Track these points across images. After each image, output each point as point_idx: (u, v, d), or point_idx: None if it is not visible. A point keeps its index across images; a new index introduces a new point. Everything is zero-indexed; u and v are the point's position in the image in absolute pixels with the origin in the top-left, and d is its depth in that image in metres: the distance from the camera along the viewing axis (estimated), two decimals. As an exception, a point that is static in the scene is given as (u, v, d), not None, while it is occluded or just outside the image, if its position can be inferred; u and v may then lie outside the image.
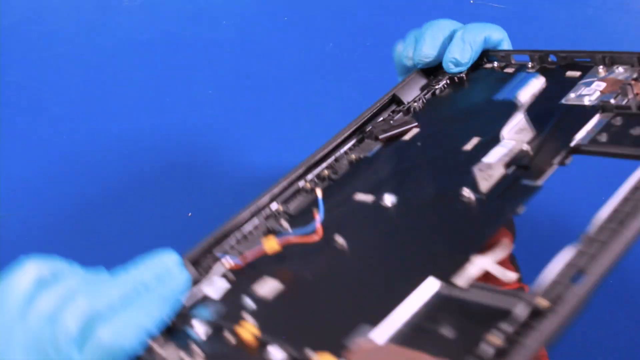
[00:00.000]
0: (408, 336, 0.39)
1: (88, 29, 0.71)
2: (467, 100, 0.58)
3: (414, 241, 0.47)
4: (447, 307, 0.41)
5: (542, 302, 0.36)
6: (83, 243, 0.67)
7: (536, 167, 0.49)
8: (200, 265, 0.47)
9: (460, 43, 0.58)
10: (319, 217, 0.47)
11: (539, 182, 0.46)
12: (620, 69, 0.53)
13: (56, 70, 0.72)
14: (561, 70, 0.56)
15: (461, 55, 0.59)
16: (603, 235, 0.40)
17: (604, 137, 0.49)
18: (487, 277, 0.44)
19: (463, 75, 0.60)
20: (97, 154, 0.68)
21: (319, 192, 0.50)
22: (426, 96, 0.60)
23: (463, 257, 0.43)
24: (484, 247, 0.44)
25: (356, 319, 0.41)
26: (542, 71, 0.57)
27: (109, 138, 0.67)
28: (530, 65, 0.58)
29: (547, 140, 0.51)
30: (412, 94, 0.60)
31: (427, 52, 0.59)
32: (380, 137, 0.57)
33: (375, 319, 0.40)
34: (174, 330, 0.44)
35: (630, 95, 0.49)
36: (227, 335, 0.43)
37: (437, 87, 0.60)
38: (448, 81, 0.61)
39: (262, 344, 0.41)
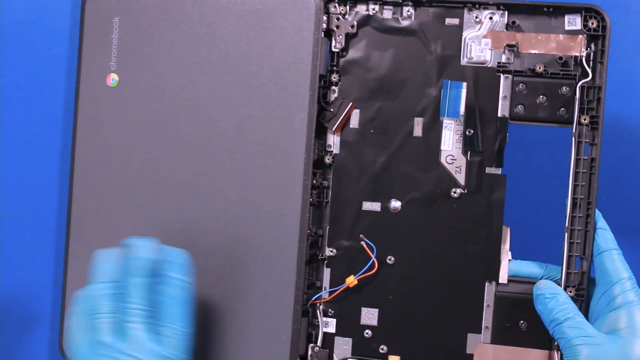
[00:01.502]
0: (504, 337, 0.60)
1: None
2: (376, 64, 0.63)
3: (443, 246, 0.62)
4: (507, 304, 0.60)
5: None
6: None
7: (486, 148, 0.61)
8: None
9: None
10: (373, 255, 0.62)
11: (500, 169, 0.61)
12: (489, 14, 0.61)
13: (56, 70, 0.72)
14: (439, 16, 0.62)
15: None
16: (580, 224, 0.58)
17: (521, 109, 0.61)
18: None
19: (355, 29, 0.63)
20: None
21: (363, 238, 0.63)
22: (337, 63, 0.64)
23: (495, 255, 0.61)
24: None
25: (456, 327, 0.61)
26: (418, 12, 0.62)
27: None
28: (406, 13, 0.62)
29: (479, 116, 0.60)
30: (323, 64, 0.63)
31: None
32: (333, 129, 0.63)
33: (473, 327, 0.60)
34: None
35: (517, 54, 0.60)
36: None
37: (340, 49, 0.64)
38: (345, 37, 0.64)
39: None
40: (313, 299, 0.63)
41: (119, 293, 0.54)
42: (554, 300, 0.57)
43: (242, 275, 0.62)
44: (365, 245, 0.63)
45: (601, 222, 0.59)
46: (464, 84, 0.61)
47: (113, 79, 0.65)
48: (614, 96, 0.67)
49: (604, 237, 0.58)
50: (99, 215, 0.65)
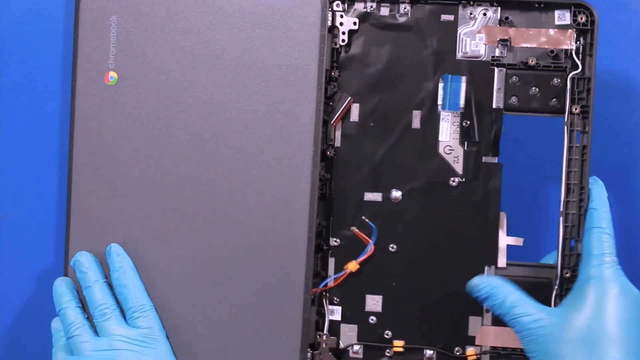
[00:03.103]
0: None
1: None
2: (374, 59, 0.66)
3: (443, 233, 0.65)
4: None
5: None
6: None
7: (483, 138, 0.64)
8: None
9: None
10: (371, 240, 0.65)
11: (496, 158, 0.64)
12: (483, 10, 0.64)
13: (56, 70, 0.73)
14: (434, 12, 0.65)
15: None
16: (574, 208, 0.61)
17: (515, 101, 0.64)
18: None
19: (357, 25, 0.66)
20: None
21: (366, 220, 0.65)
22: (337, 59, 0.66)
23: (493, 240, 0.63)
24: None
25: (457, 311, 0.64)
26: (414, 9, 0.65)
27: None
28: (403, 10, 0.65)
29: (475, 107, 0.64)
30: (328, 59, 0.65)
31: None
32: (332, 122, 0.65)
33: (474, 310, 0.63)
34: None
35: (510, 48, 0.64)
36: None
37: (340, 45, 0.66)
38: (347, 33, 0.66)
39: None
40: (320, 286, 0.65)
41: (80, 307, 0.63)
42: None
43: (252, 267, 0.64)
44: (357, 231, 0.66)
45: (595, 202, 0.61)
46: (463, 78, 0.63)
47: (112, 76, 0.65)
48: (614, 96, 0.69)
49: (594, 215, 0.60)
50: (99, 213, 0.65)
